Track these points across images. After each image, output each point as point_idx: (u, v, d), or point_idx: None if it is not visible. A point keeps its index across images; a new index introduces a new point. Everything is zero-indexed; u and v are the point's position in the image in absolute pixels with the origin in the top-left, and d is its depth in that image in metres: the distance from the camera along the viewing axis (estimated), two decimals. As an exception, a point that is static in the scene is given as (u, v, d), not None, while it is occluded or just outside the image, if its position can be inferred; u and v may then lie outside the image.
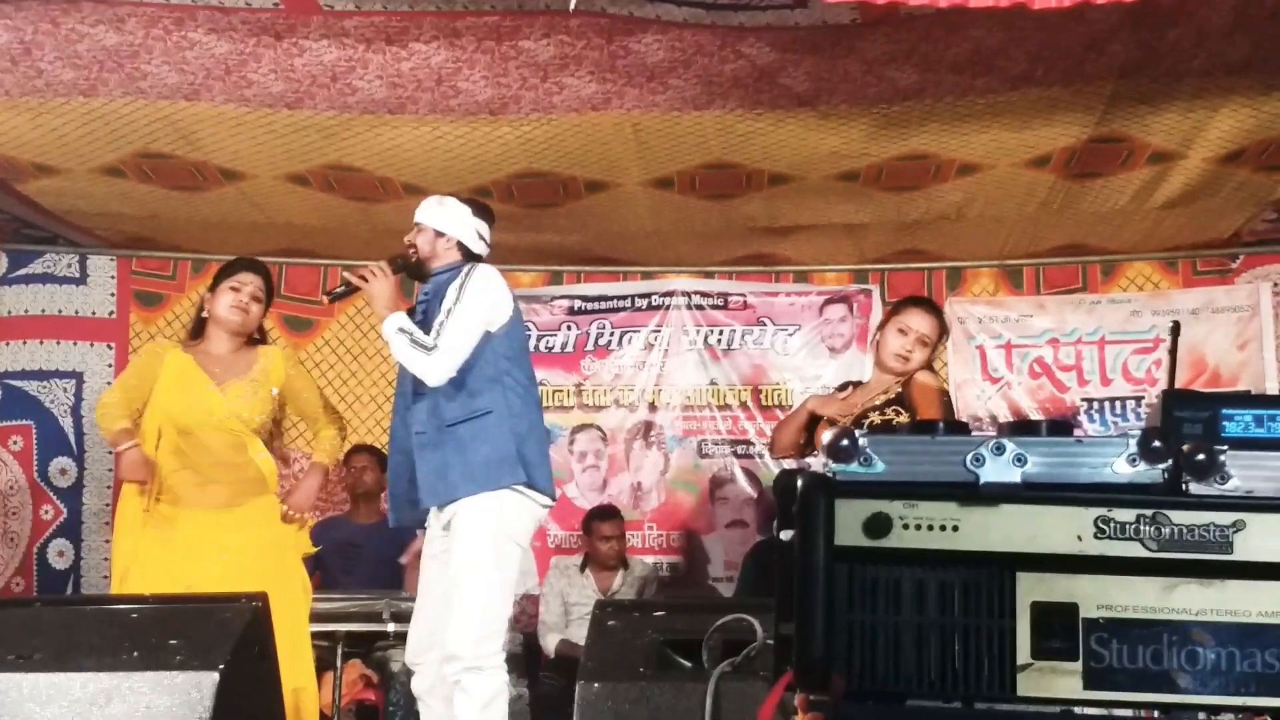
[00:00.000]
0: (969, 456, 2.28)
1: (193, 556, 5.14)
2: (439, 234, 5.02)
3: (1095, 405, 8.09)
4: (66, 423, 8.10)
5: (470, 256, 5.05)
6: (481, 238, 5.10)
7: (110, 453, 7.99)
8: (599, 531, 7.79)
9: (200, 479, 5.26)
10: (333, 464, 5.69)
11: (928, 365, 5.30)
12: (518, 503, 4.83)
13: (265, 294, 5.47)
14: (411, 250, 5.04)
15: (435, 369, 4.76)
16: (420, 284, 5.24)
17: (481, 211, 5.16)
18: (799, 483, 2.28)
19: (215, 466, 5.28)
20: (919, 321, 5.30)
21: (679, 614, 4.11)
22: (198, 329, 5.50)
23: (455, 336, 4.76)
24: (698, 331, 8.47)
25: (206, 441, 5.27)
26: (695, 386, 8.47)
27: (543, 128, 5.94)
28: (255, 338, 5.49)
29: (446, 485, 4.81)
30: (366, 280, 4.91)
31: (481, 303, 4.84)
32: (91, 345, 8.17)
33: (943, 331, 5.44)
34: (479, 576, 4.73)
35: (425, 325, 4.85)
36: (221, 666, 3.64)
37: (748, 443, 8.40)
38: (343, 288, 5.06)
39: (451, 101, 5.61)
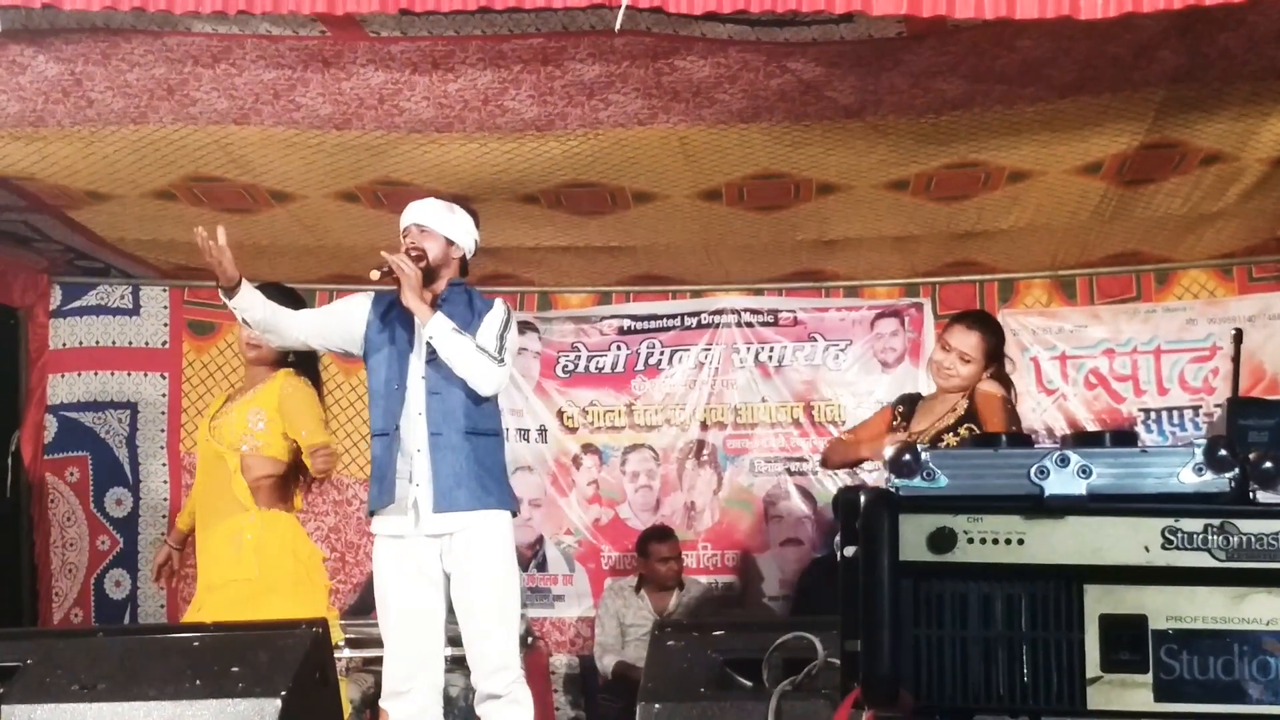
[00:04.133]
0: (1033, 469, 2.26)
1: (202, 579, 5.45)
2: (450, 242, 5.02)
3: (1152, 415, 8.02)
4: (122, 453, 8.15)
5: (463, 269, 5.10)
6: (475, 248, 5.16)
7: (165, 483, 8.09)
8: (656, 553, 7.78)
9: (199, 502, 5.60)
10: (321, 474, 5.47)
11: (998, 374, 5.28)
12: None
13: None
14: (417, 253, 4.93)
15: (498, 379, 4.87)
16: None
17: (477, 220, 5.18)
18: (861, 499, 2.26)
19: (200, 488, 5.65)
20: (959, 338, 5.33)
21: (738, 633, 4.09)
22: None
23: (510, 357, 4.91)
24: (748, 349, 8.45)
25: (202, 462, 5.66)
26: (747, 404, 8.44)
27: (589, 142, 5.93)
28: (290, 360, 5.54)
29: (468, 494, 4.81)
30: (403, 267, 4.82)
31: (517, 340, 5.06)
32: (145, 375, 8.22)
33: (993, 343, 5.39)
34: (512, 588, 4.88)
35: None
36: (284, 693, 3.64)
37: (801, 460, 8.37)
38: (387, 269, 4.87)
39: (498, 120, 5.61)
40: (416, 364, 4.91)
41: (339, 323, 5.13)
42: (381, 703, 4.98)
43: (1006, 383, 5.37)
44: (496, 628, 4.82)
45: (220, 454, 5.44)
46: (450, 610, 4.96)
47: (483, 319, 4.95)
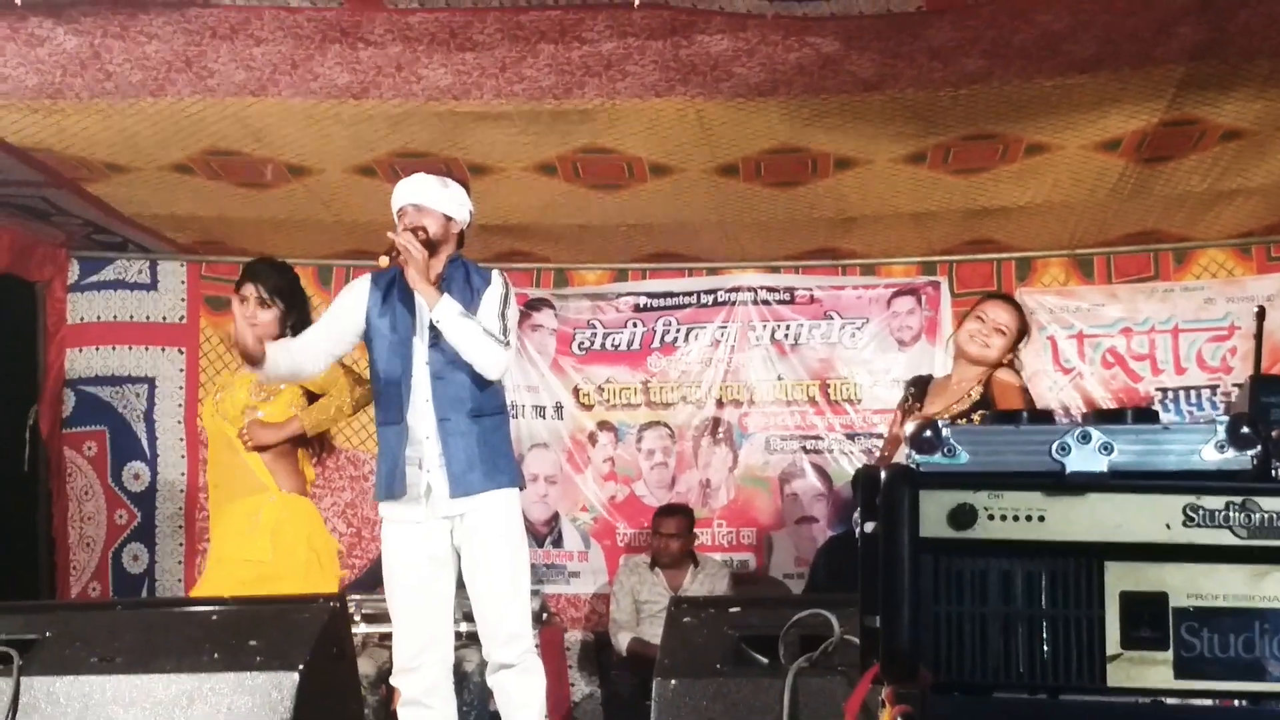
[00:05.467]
0: (1054, 445, 2.25)
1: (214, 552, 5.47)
2: (448, 218, 4.98)
3: (1170, 394, 8.01)
4: (139, 428, 8.17)
5: (459, 243, 5.07)
6: (469, 219, 5.12)
7: (183, 457, 8.11)
8: (659, 528, 7.81)
9: (216, 476, 5.59)
10: (310, 428, 5.51)
11: (1009, 364, 5.29)
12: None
13: (277, 296, 5.46)
14: (420, 232, 4.86)
15: (504, 362, 4.86)
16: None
17: (469, 190, 5.15)
18: (882, 475, 2.26)
19: (213, 468, 5.62)
20: (995, 311, 5.36)
21: (754, 610, 4.08)
22: None
23: (513, 337, 4.91)
24: (764, 327, 8.44)
25: (213, 443, 5.64)
26: (763, 382, 8.45)
27: (607, 112, 5.93)
28: (292, 324, 5.48)
29: (481, 475, 4.84)
30: (410, 250, 4.76)
31: (517, 314, 5.04)
32: (163, 350, 8.24)
33: (1023, 328, 5.43)
34: (523, 562, 4.92)
35: None
36: (301, 667, 3.64)
37: (816, 437, 8.37)
38: (395, 252, 4.80)
39: (516, 87, 5.60)
40: (420, 348, 4.91)
41: (342, 324, 5.07)
42: (392, 680, 5.02)
43: (1017, 373, 5.38)
44: (509, 600, 4.86)
45: (224, 430, 5.45)
46: (461, 587, 4.98)
47: (481, 297, 4.92)
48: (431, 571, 4.89)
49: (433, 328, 4.83)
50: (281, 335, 5.37)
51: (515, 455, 5.08)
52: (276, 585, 5.15)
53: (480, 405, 4.88)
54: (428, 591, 4.89)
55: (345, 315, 5.06)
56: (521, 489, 5.08)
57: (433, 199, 4.95)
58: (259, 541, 5.32)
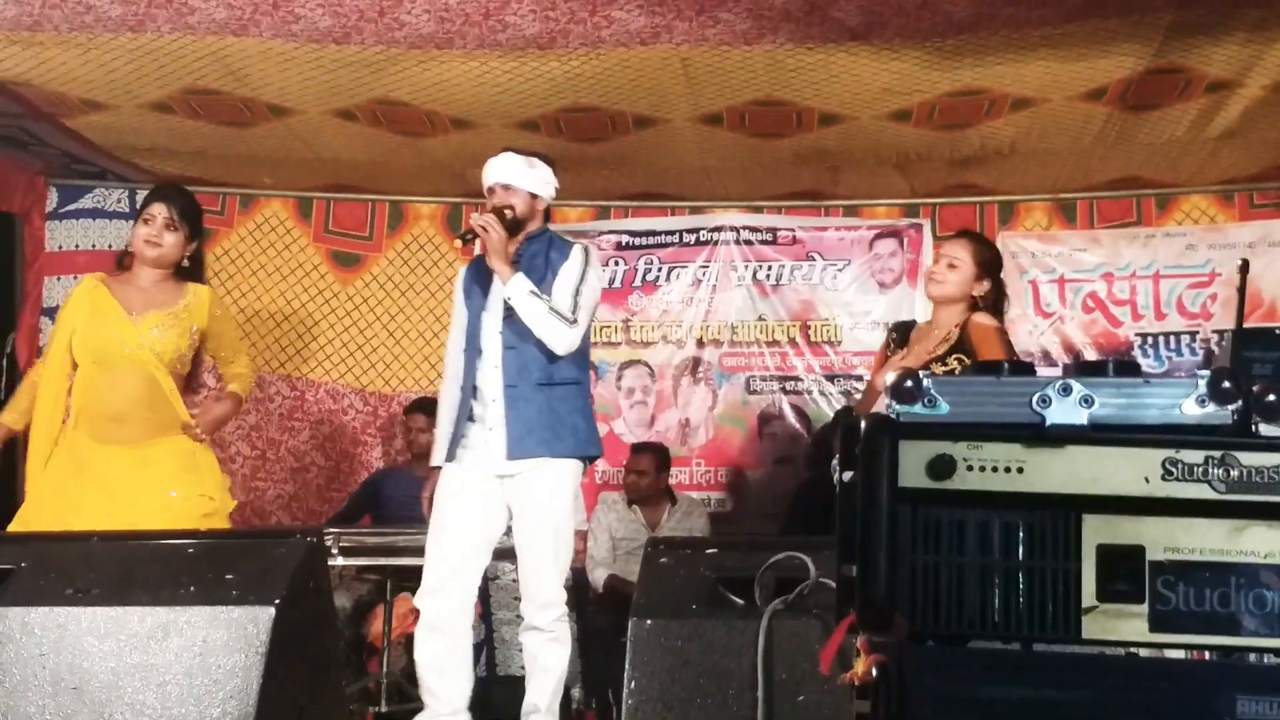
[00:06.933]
0: (1035, 397, 2.25)
1: (104, 492, 5.04)
2: (534, 196, 5.16)
3: (1149, 340, 8.03)
4: (116, 356, 8.12)
5: (546, 216, 5.27)
6: (554, 194, 5.29)
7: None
8: (631, 465, 7.84)
9: (114, 413, 5.13)
10: (247, 396, 5.54)
11: (994, 306, 5.20)
12: (582, 470, 5.16)
13: (184, 220, 5.25)
14: (509, 210, 5.08)
15: (571, 340, 5.03)
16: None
17: (553, 166, 5.28)
18: (862, 423, 2.26)
19: (126, 401, 5.14)
20: (950, 247, 5.26)
21: (731, 552, 4.09)
22: (122, 260, 5.39)
23: (585, 314, 5.08)
24: (746, 267, 8.43)
25: (119, 373, 5.14)
26: (743, 322, 8.45)
27: (591, 62, 5.89)
28: (185, 267, 5.30)
29: (535, 442, 5.01)
30: (487, 230, 4.98)
31: (598, 287, 5.19)
32: (141, 278, 8.17)
33: (986, 264, 5.24)
34: (567, 533, 5.06)
35: None
36: (277, 601, 3.64)
37: (796, 379, 8.39)
38: (470, 235, 5.12)
39: (499, 36, 5.57)
40: (492, 320, 5.12)
41: (459, 314, 5.32)
42: (415, 600, 5.13)
43: (1000, 317, 5.28)
44: (548, 565, 5.02)
45: (147, 366, 5.12)
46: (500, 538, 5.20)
47: (558, 273, 5.10)
48: (479, 516, 5.08)
49: (506, 303, 5.03)
50: (180, 261, 5.25)
51: (591, 425, 5.20)
52: (223, 523, 5.13)
53: (550, 375, 5.07)
54: (469, 530, 5.07)
55: (457, 308, 5.33)
56: (593, 458, 5.27)
57: (520, 178, 5.14)
58: (205, 480, 5.21)
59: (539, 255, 5.15)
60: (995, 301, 5.21)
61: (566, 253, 5.14)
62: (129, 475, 5.09)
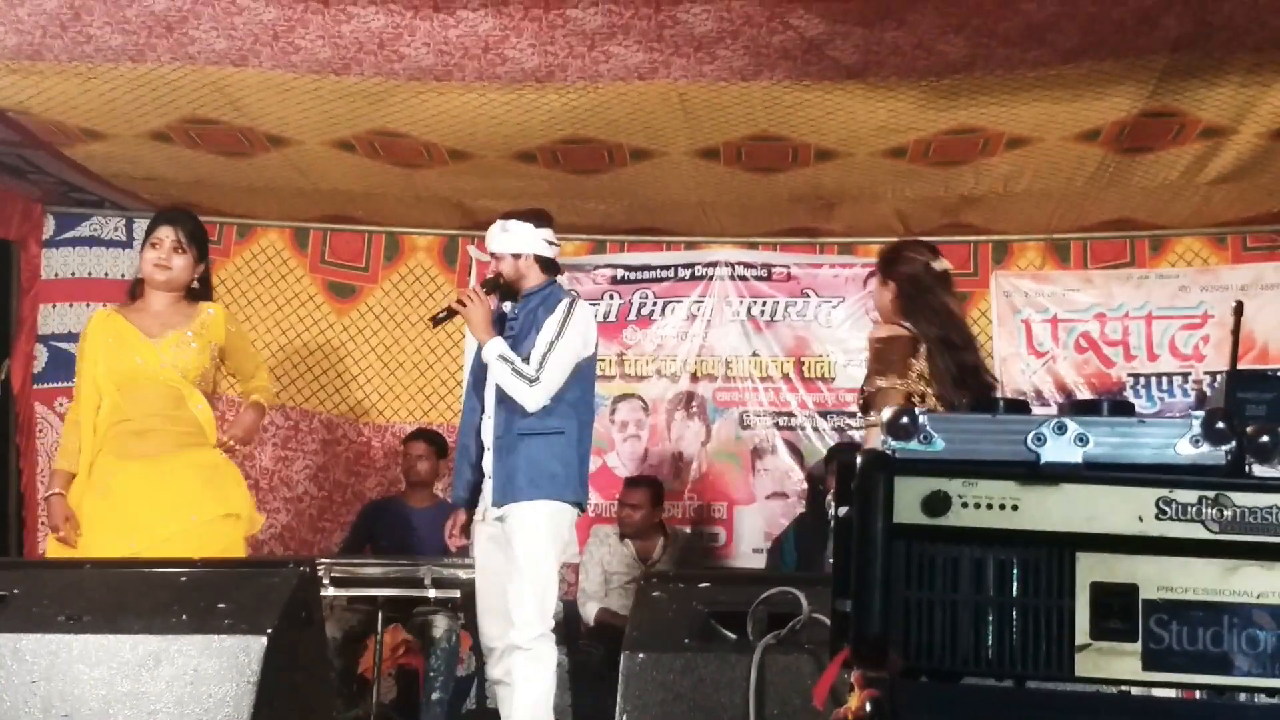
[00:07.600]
0: (1030, 436, 2.25)
1: (133, 503, 5.06)
2: (516, 256, 5.48)
3: (1142, 381, 8.05)
4: (111, 385, 8.11)
5: (547, 266, 5.52)
6: (550, 243, 5.54)
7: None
8: (624, 499, 7.85)
9: (139, 429, 5.15)
10: (269, 405, 5.69)
11: (893, 319, 4.87)
12: (569, 513, 5.44)
13: (192, 242, 5.27)
14: (499, 276, 5.49)
15: (534, 399, 5.34)
16: (512, 301, 5.61)
17: (541, 218, 5.55)
18: (858, 460, 2.26)
19: (152, 418, 5.16)
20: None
21: (724, 586, 4.09)
22: (134, 289, 5.40)
23: (554, 371, 5.35)
24: (741, 302, 8.46)
25: (143, 393, 5.16)
26: (738, 357, 8.47)
27: (589, 96, 5.92)
28: (195, 289, 5.32)
29: (514, 489, 5.33)
30: (465, 305, 5.40)
31: (577, 341, 5.43)
32: (137, 307, 8.18)
33: (891, 276, 4.92)
34: (543, 564, 5.29)
35: (515, 342, 5.41)
36: (269, 631, 3.64)
37: (790, 414, 8.40)
38: (444, 313, 5.54)
39: (498, 69, 5.59)
40: (489, 376, 5.46)
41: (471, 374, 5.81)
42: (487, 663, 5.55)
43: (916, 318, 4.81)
44: (520, 590, 5.26)
45: (174, 385, 5.16)
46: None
47: (542, 330, 5.38)
48: (493, 554, 5.42)
49: None
50: (190, 282, 5.28)
51: (576, 471, 5.45)
52: (243, 539, 5.21)
53: (533, 426, 5.36)
54: (489, 570, 5.44)
55: (470, 360, 5.81)
56: (578, 504, 5.49)
57: (500, 244, 5.51)
58: (231, 496, 5.23)
59: (534, 312, 5.43)
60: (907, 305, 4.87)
61: (554, 309, 5.40)
62: (150, 499, 5.09)
